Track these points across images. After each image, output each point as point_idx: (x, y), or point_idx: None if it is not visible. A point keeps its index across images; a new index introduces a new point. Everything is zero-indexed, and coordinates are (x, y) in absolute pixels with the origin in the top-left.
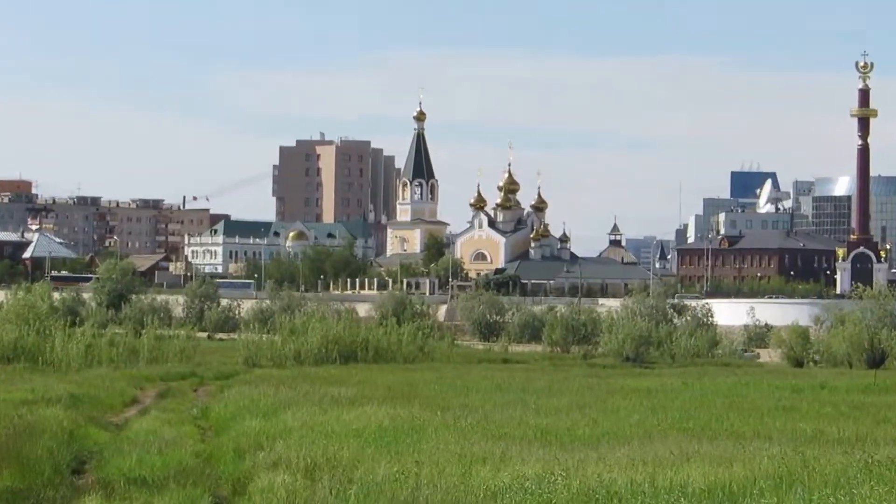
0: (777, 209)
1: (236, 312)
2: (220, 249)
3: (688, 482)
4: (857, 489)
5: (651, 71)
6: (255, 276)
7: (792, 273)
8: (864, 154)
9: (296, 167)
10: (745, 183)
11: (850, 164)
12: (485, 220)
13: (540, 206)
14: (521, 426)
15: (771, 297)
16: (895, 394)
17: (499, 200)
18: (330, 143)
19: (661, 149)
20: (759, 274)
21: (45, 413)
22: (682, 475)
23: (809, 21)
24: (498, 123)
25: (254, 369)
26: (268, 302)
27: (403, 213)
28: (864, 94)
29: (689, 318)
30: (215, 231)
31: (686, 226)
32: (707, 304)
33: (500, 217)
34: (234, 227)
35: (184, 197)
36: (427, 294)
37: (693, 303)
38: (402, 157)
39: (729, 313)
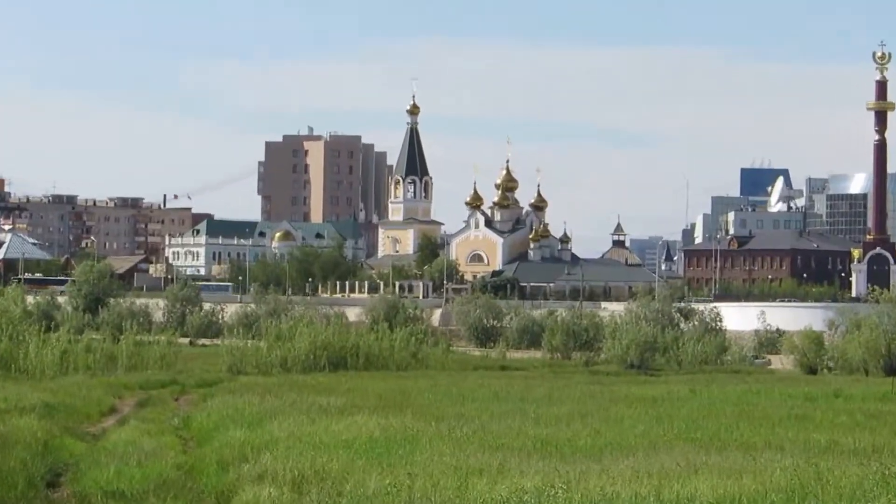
0: (789, 208)
1: (220, 317)
2: (202, 251)
3: (695, 495)
4: (873, 503)
5: (657, 62)
6: (240, 278)
7: (805, 275)
8: (881, 150)
9: (282, 164)
10: (756, 180)
11: (867, 161)
12: (481, 219)
13: (539, 205)
14: (520, 437)
15: (783, 301)
16: None
17: (496, 199)
18: (318, 138)
19: (667, 144)
20: (770, 276)
21: (18, 423)
22: (690, 488)
23: (823, 9)
24: (495, 117)
25: (238, 377)
26: (253, 306)
27: (396, 212)
28: (882, 87)
29: (696, 322)
30: (197, 231)
31: (693, 225)
32: (715, 307)
33: (497, 216)
34: (218, 228)
35: (164, 195)
36: (420, 297)
37: (701, 307)
38: (394, 152)
39: (738, 318)
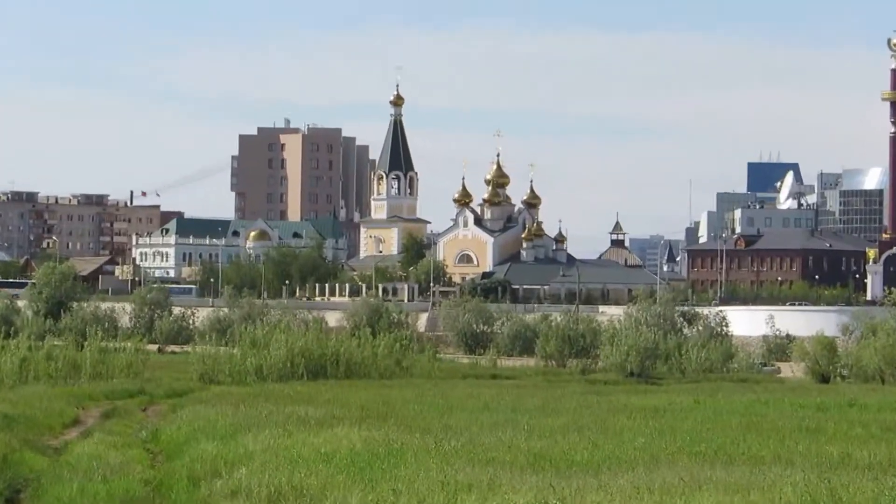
0: (800, 205)
1: (190, 322)
2: (171, 251)
3: None
4: None
5: (659, 48)
6: (212, 280)
7: (817, 277)
8: None
9: (257, 158)
10: (764, 175)
11: (882, 154)
12: (470, 217)
13: (532, 202)
14: (512, 450)
15: (793, 304)
16: None
17: (486, 195)
18: (296, 130)
19: (669, 137)
20: (779, 278)
21: None
22: None
23: None
24: (485, 108)
25: (210, 386)
26: (226, 310)
27: (379, 209)
28: None
29: (700, 327)
30: (166, 231)
31: (697, 224)
32: (721, 312)
33: (487, 214)
34: (188, 226)
35: (131, 192)
36: (405, 301)
37: (705, 311)
38: (377, 146)
39: (746, 322)
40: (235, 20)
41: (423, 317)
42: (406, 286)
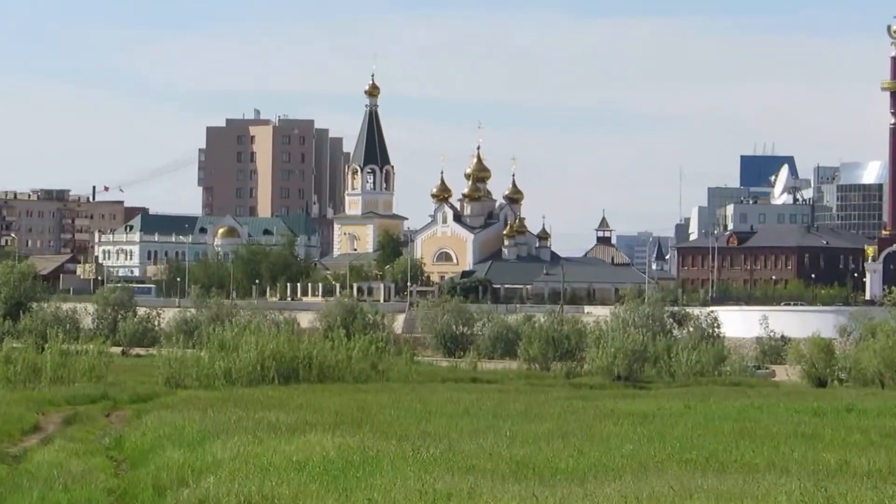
0: (795, 200)
1: (156, 323)
2: (136, 249)
3: None
4: None
5: (647, 36)
6: (178, 280)
7: (813, 275)
8: None
9: (225, 151)
10: (758, 169)
11: (882, 147)
12: (449, 213)
13: (515, 197)
14: (494, 458)
15: (788, 304)
16: None
17: (466, 190)
18: (266, 122)
19: (658, 129)
20: (773, 277)
21: None
22: None
23: None
24: (465, 99)
25: (177, 391)
26: (193, 311)
27: (353, 205)
28: None
29: (691, 329)
30: (131, 227)
31: (688, 220)
32: (713, 312)
33: (467, 210)
34: (153, 223)
35: (93, 187)
36: (381, 301)
37: (696, 311)
38: (351, 139)
39: (739, 323)
40: (202, 7)
41: (400, 318)
42: (382, 286)
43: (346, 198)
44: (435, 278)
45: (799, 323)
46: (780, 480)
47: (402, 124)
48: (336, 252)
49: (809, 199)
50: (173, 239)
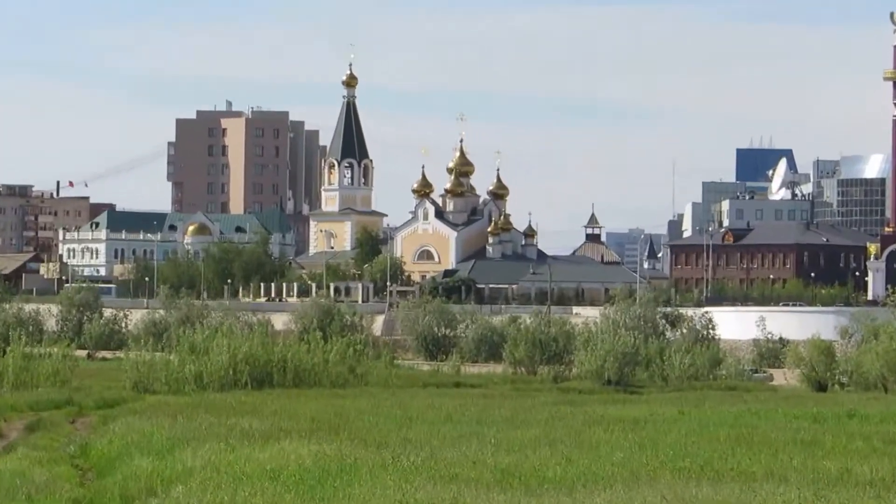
0: (794, 195)
1: (123, 325)
2: (102, 247)
3: None
4: None
5: (638, 24)
6: (146, 279)
7: (812, 274)
8: None
9: (196, 145)
10: (754, 163)
11: (884, 140)
12: (431, 209)
13: (499, 193)
14: (477, 466)
15: (786, 305)
16: None
17: (448, 186)
18: (238, 114)
19: (650, 121)
20: (771, 276)
21: None
22: None
23: None
24: (447, 90)
25: (145, 396)
26: (162, 312)
27: (330, 201)
28: None
29: (685, 330)
30: (96, 225)
31: (681, 216)
32: (707, 313)
33: (449, 206)
34: (120, 220)
35: (58, 182)
36: (360, 302)
37: (690, 312)
38: (328, 131)
39: (735, 325)
40: None
41: (380, 319)
42: (360, 285)
43: (323, 193)
44: (416, 278)
45: (798, 324)
46: (779, 490)
47: (381, 116)
48: (312, 250)
49: (808, 194)
50: (141, 237)
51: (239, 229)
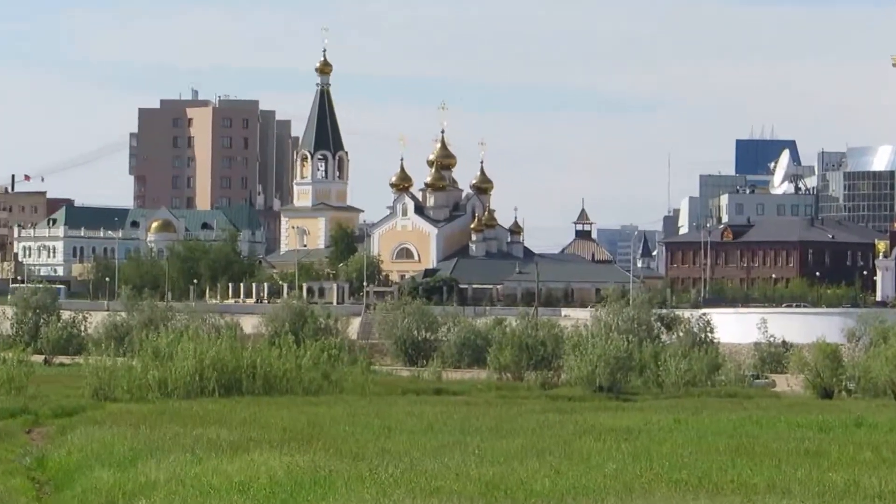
0: (797, 189)
1: (82, 329)
2: (60, 245)
3: None
4: None
5: (631, 8)
6: (107, 279)
7: (817, 274)
8: None
9: (160, 136)
10: (755, 154)
11: (893, 130)
12: (410, 205)
13: (483, 187)
14: (461, 478)
15: (790, 306)
16: None
17: (428, 179)
18: (205, 103)
19: (644, 111)
20: (773, 275)
21: None
22: None
23: None
24: (427, 77)
25: (105, 404)
26: (123, 315)
27: (303, 196)
28: None
29: (681, 333)
30: (54, 221)
31: (677, 212)
32: (705, 315)
33: (430, 201)
34: (79, 216)
35: (12, 176)
36: (334, 303)
37: (687, 314)
38: (300, 122)
39: (734, 327)
40: None
41: (356, 322)
42: (335, 286)
43: (295, 187)
44: (394, 277)
45: (802, 327)
46: (782, 503)
47: (357, 105)
48: (283, 248)
49: (813, 188)
50: (101, 234)
51: (205, 226)
